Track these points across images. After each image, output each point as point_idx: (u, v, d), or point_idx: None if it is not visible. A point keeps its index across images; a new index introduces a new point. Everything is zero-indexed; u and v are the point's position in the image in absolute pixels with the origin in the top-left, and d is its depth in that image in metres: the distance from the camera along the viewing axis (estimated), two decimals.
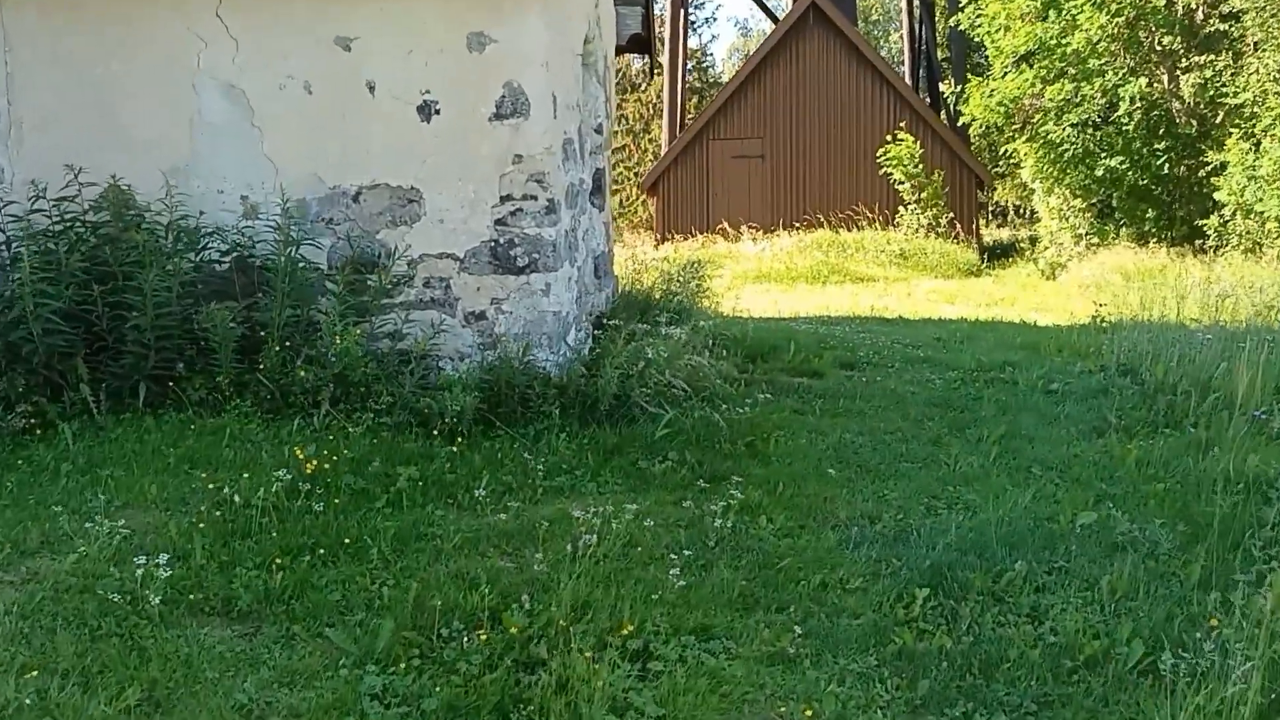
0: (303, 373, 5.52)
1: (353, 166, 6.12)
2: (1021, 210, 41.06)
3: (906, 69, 32.29)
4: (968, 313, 13.33)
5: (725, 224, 22.92)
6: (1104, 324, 10.35)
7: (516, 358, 5.87)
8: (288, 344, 5.73)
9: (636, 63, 53.20)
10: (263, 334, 5.79)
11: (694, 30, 55.26)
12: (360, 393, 5.61)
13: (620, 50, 9.81)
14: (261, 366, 5.66)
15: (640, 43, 9.80)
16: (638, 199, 36.03)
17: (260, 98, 6.13)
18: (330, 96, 6.09)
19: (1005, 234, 35.04)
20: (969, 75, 22.43)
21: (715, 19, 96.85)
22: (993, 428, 6.05)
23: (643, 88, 51.83)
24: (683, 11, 27.86)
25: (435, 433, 5.39)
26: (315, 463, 4.60)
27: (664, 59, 28.47)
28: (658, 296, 9.31)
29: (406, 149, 6.07)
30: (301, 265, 5.95)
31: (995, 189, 30.60)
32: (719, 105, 24.62)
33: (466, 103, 6.01)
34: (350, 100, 6.08)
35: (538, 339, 6.16)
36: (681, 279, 9.92)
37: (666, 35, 28.20)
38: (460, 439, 5.37)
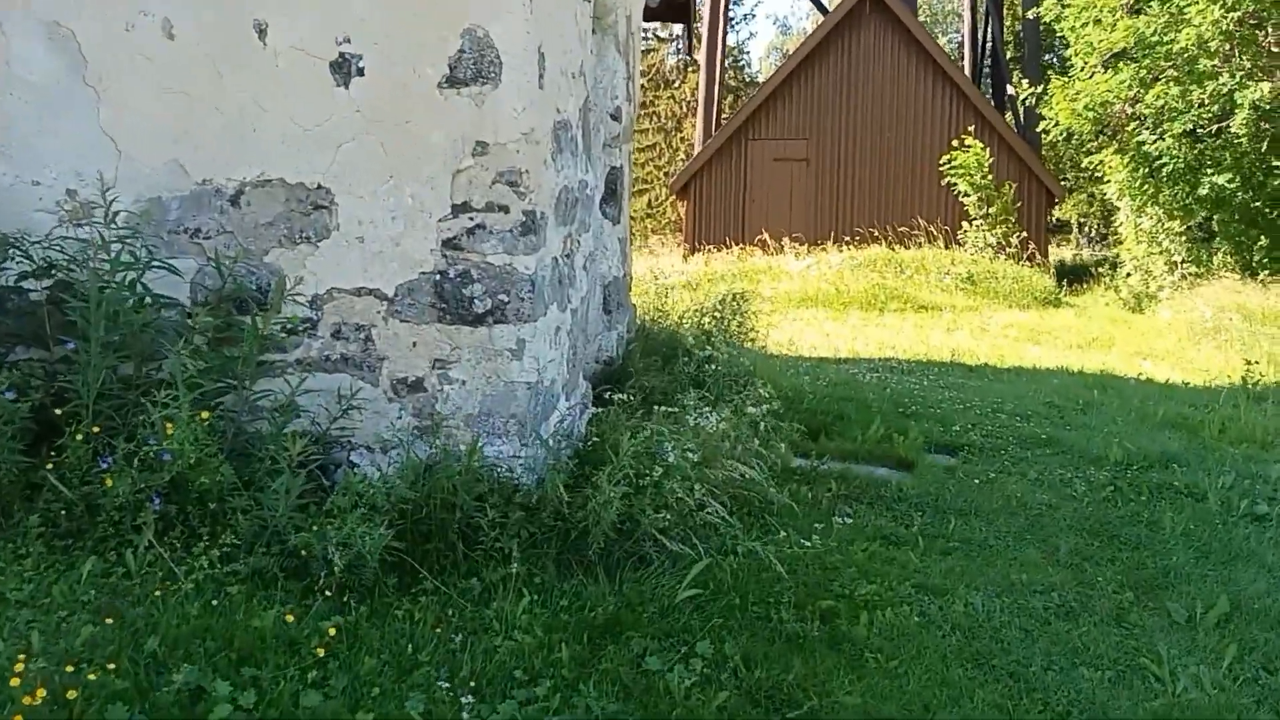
0: (111, 480, 3.53)
1: (232, 152, 4.14)
2: (1085, 228, 38.82)
3: (967, 67, 30.13)
4: (1063, 359, 11.21)
5: (765, 234, 20.87)
6: (1257, 385, 8.26)
7: (462, 458, 3.86)
8: (101, 427, 3.75)
9: (671, 58, 51.38)
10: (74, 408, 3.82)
11: (731, 27, 53.35)
12: (207, 513, 3.62)
13: (651, 14, 7.80)
14: (59, 461, 3.68)
15: (676, 8, 7.80)
16: (666, 199, 34.05)
17: (97, 44, 4.16)
18: (201, 44, 4.11)
19: (1069, 254, 32.83)
20: (1048, 75, 20.25)
21: (754, 15, 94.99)
22: (1202, 593, 4.00)
23: (677, 84, 49.85)
24: (722, 1, 25.84)
25: (319, 588, 3.40)
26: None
27: (701, 52, 26.45)
28: (689, 340, 7.28)
29: (313, 128, 4.08)
30: (144, 300, 3.99)
31: (1064, 204, 28.35)
32: (760, 101, 22.58)
33: (404, 59, 4.01)
34: (230, 51, 4.10)
35: (501, 424, 4.15)
36: (719, 314, 7.90)
37: (705, 25, 26.18)
38: (355, 603, 3.37)
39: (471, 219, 4.07)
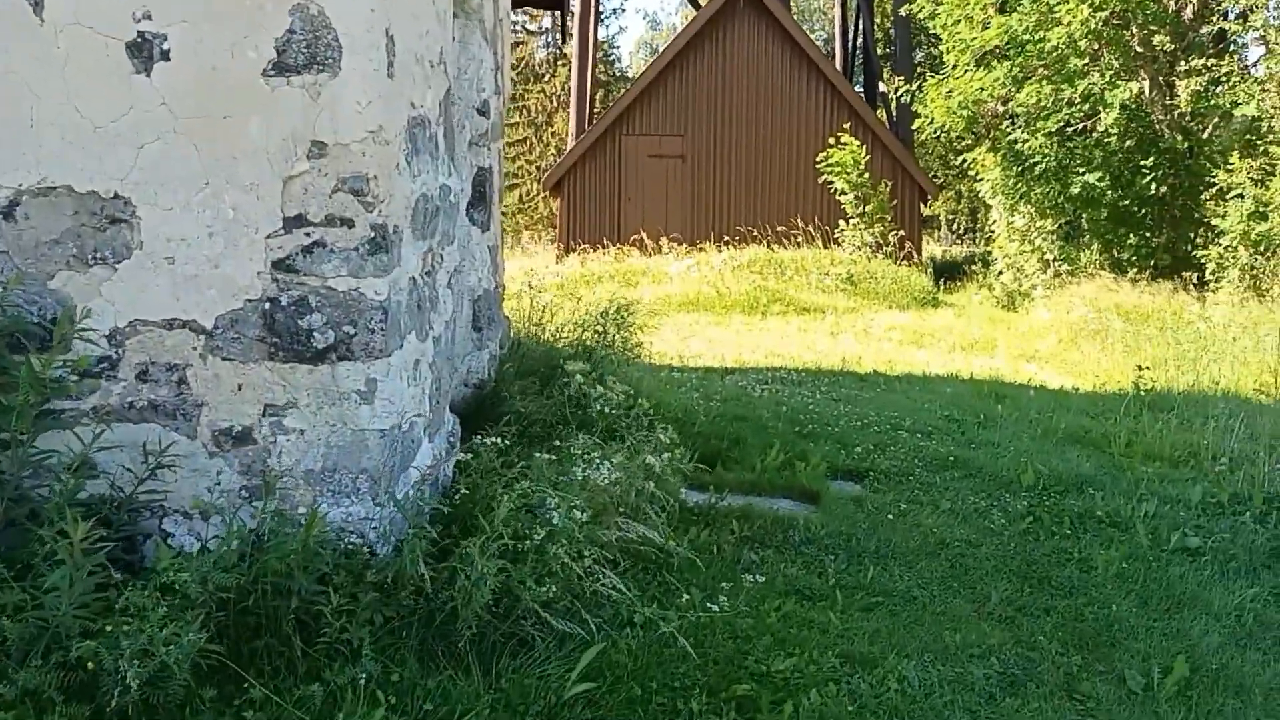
0: None
1: (3, 154, 3.35)
2: (954, 223, 39.69)
3: (838, 64, 30.29)
4: (950, 363, 11.02)
5: (642, 234, 20.39)
6: (1150, 393, 8.13)
7: (300, 527, 3.18)
8: None
9: (541, 51, 50.56)
10: None
11: (601, 21, 52.81)
12: None
13: (521, 0, 7.16)
14: None
15: None
16: (538, 195, 33.37)
17: None
18: None
19: (938, 250, 33.42)
20: (921, 72, 20.33)
21: (623, 9, 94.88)
22: (1155, 651, 3.61)
23: (547, 78, 49.08)
24: None
25: (110, 710, 2.69)
26: None
27: (572, 45, 25.84)
28: (569, 360, 6.68)
29: (107, 125, 3.33)
30: None
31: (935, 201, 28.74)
32: (634, 96, 22.11)
33: (220, 41, 3.30)
34: (1, 26, 3.32)
35: (349, 482, 3.48)
36: (600, 328, 7.31)
37: (575, 18, 25.58)
38: None
39: (308, 235, 3.38)
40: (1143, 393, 8.30)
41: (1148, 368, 8.75)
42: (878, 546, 4.60)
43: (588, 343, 6.72)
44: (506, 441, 4.45)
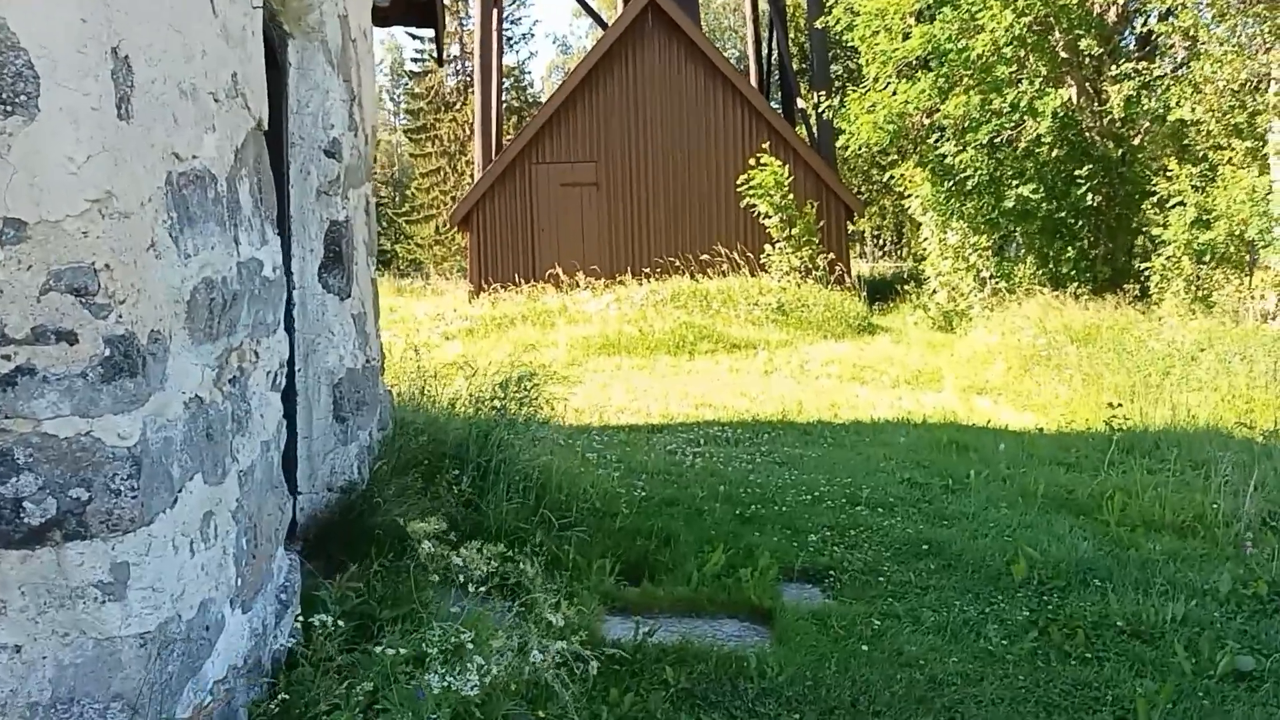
0: None
1: None
2: (879, 240, 39.35)
3: (753, 81, 29.65)
4: (897, 404, 10.14)
5: (557, 268, 19.33)
6: (1123, 432, 7.33)
7: None
8: None
9: (451, 80, 49.40)
10: None
11: (510, 47, 51.87)
12: None
13: (385, 18, 6.09)
14: None
15: (417, 9, 6.12)
16: (452, 229, 32.23)
17: None
18: None
19: (866, 268, 32.93)
20: (844, 87, 19.67)
21: (533, 35, 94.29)
22: None
23: (458, 106, 47.93)
24: (495, 12, 24.26)
25: None
26: None
27: (474, 71, 24.79)
28: (459, 436, 5.61)
29: None
30: None
31: (860, 219, 28.17)
32: (543, 122, 21.12)
33: None
34: None
35: (95, 714, 2.37)
36: (501, 399, 6.25)
37: (477, 43, 24.55)
38: None
39: (8, 357, 2.27)
40: (1117, 433, 7.47)
41: (1119, 404, 7.93)
42: (853, 696, 3.59)
43: (482, 422, 5.63)
44: (357, 599, 3.36)
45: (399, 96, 60.91)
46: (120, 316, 2.33)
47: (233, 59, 3.04)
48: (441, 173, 49.55)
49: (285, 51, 4.62)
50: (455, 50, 49.47)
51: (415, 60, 52.35)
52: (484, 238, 21.01)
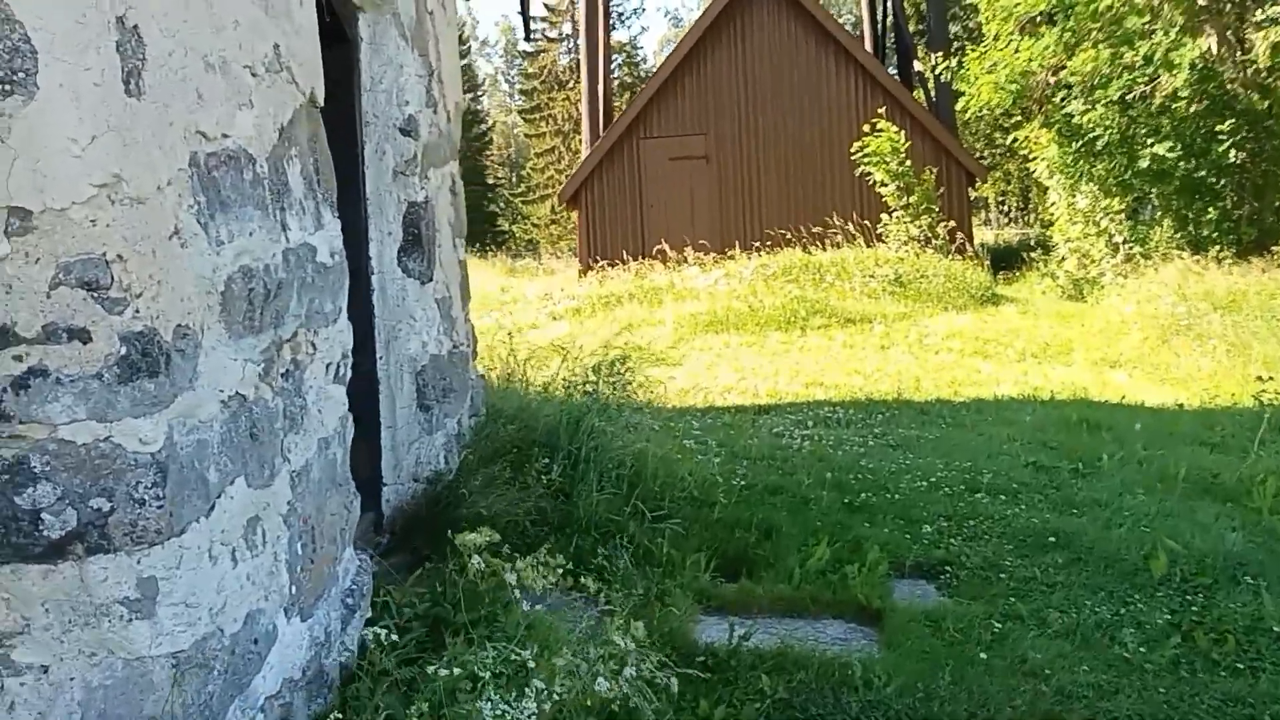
0: None
1: None
2: (1004, 205, 37.95)
3: (868, 44, 28.76)
4: (1023, 378, 9.58)
5: (665, 244, 19.05)
6: (1271, 404, 6.71)
7: None
8: None
9: (564, 58, 49.40)
10: None
11: (621, 23, 51.63)
12: None
13: None
14: None
15: None
16: (565, 209, 32.33)
17: None
18: None
19: (991, 235, 31.77)
20: (963, 47, 18.85)
21: (644, 9, 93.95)
22: None
23: (571, 84, 47.95)
24: None
25: None
26: None
27: (581, 46, 24.62)
28: (550, 423, 5.38)
29: None
30: None
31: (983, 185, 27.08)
32: (650, 95, 20.84)
33: None
34: None
35: None
36: (594, 381, 6.03)
37: (583, 18, 24.37)
38: None
39: (19, 359, 2.11)
40: (1267, 409, 6.85)
41: (1270, 377, 7.28)
42: (970, 710, 3.25)
43: (574, 408, 5.40)
44: (429, 603, 3.15)
45: (513, 77, 61.37)
46: (138, 311, 2.15)
47: (273, 30, 2.84)
48: (555, 151, 49.81)
49: (355, 25, 4.44)
50: (568, 28, 49.52)
51: (529, 40, 52.60)
52: (592, 215, 20.87)
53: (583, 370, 6.15)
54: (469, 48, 52.18)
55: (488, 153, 52.74)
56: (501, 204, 51.22)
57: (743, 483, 5.60)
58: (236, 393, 2.55)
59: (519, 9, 6.00)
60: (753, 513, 5.06)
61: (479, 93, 54.39)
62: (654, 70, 26.48)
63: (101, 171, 2.07)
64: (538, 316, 15.02)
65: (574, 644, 2.93)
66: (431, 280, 4.84)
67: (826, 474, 5.87)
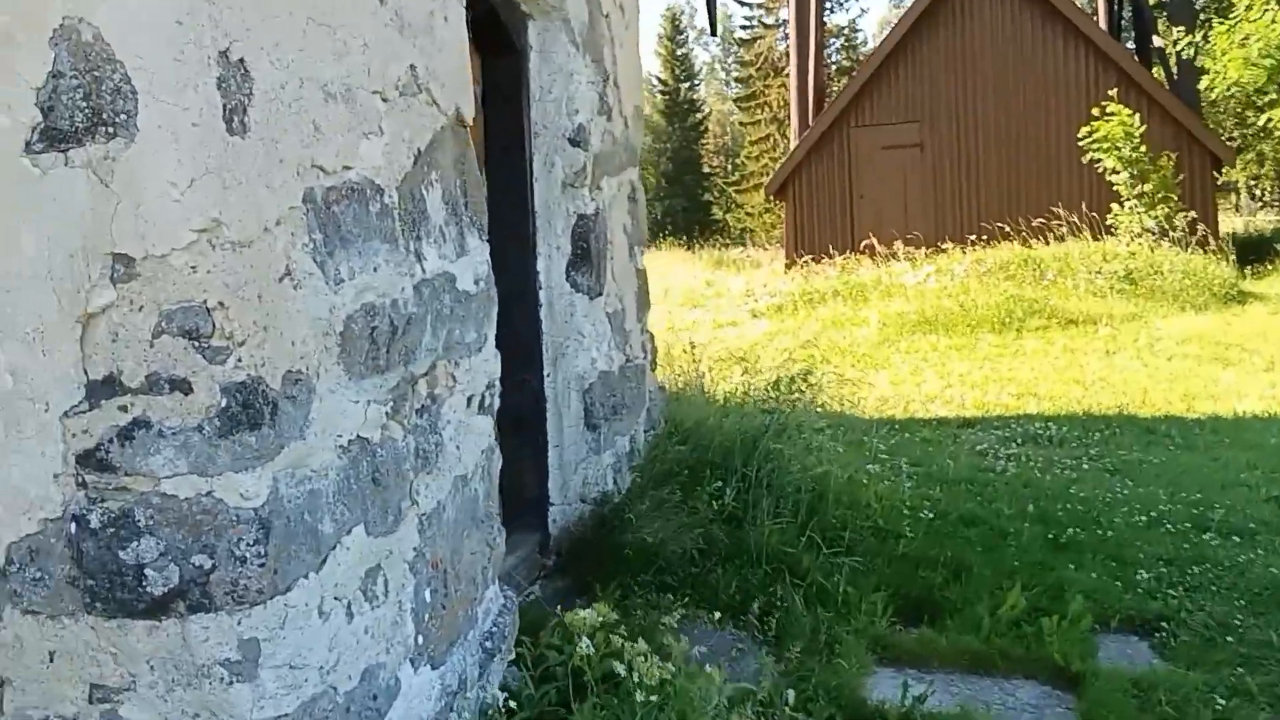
0: None
1: None
2: (1256, 191, 34.88)
3: (1102, 20, 26.93)
4: (1274, 393, 8.61)
5: (873, 238, 18.40)
6: None
7: None
8: None
9: (781, 44, 48.76)
10: None
11: (840, 6, 50.47)
12: None
13: None
14: None
15: None
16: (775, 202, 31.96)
17: None
18: None
19: (1240, 223, 29.21)
20: (1209, 21, 17.29)
21: None
22: None
23: (787, 71, 47.33)
24: None
25: None
26: None
27: (791, 31, 24.12)
28: (725, 442, 5.14)
29: None
30: None
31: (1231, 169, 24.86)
32: (862, 82, 20.17)
33: None
34: None
35: None
36: (775, 397, 5.76)
37: (793, 2, 23.86)
38: None
39: (124, 409, 2.05)
40: None
41: None
42: None
43: (751, 427, 5.14)
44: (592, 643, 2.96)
45: (730, 65, 61.16)
46: (240, 360, 2.05)
47: (409, 51, 2.71)
48: (770, 139, 49.39)
49: (525, 34, 4.33)
50: (785, 14, 48.86)
51: (744, 28, 52.28)
52: (799, 208, 20.43)
53: (766, 382, 5.89)
54: (686, 36, 52.26)
55: (702, 141, 52.76)
56: (716, 192, 51.21)
57: (934, 511, 5.19)
58: (358, 436, 2.44)
59: (706, 3, 5.78)
60: (942, 548, 4.67)
61: (695, 81, 54.42)
62: (868, 55, 25.65)
63: (200, 216, 1.98)
64: (738, 313, 14.77)
65: (718, 709, 2.68)
66: (601, 294, 4.69)
67: (1030, 503, 5.38)
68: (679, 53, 51.95)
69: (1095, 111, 17.35)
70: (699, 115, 52.60)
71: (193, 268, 2.00)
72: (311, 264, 2.26)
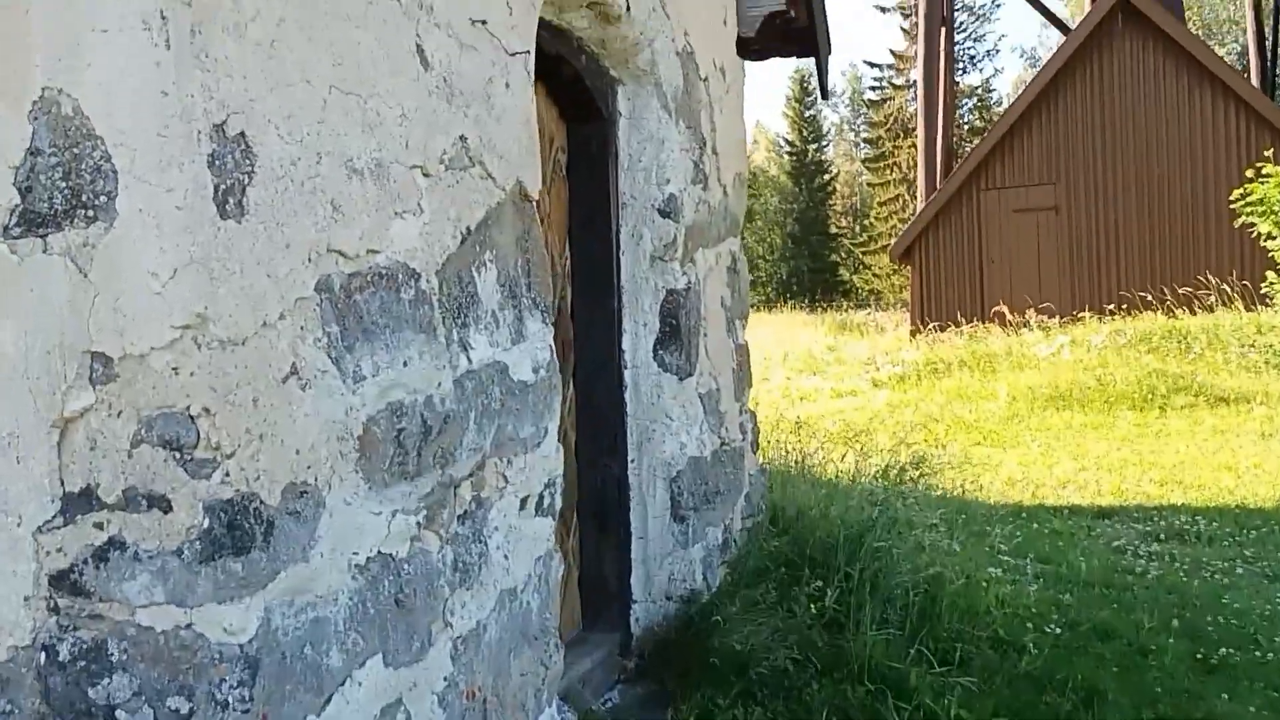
0: None
1: None
2: None
3: (1254, 78, 25.70)
4: None
5: (1003, 306, 17.64)
6: None
7: None
8: None
9: (912, 105, 48.10)
10: None
11: (973, 65, 49.66)
12: None
13: (759, 51, 5.42)
14: None
15: (794, 34, 5.38)
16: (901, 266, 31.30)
17: None
18: None
19: None
20: None
21: (998, 51, 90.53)
22: None
23: (916, 131, 46.70)
24: (943, 31, 22.96)
25: None
26: None
27: (919, 93, 23.63)
28: (827, 536, 4.73)
29: None
30: None
31: None
32: (994, 143, 19.53)
33: None
34: None
35: None
36: (885, 485, 5.34)
37: (920, 62, 23.41)
38: None
39: (100, 525, 1.82)
40: None
41: None
42: None
43: (856, 520, 4.72)
44: None
45: (859, 126, 60.73)
46: (227, 475, 1.80)
47: (459, 121, 2.47)
48: (900, 200, 48.76)
49: (614, 99, 4.09)
50: (915, 75, 48.27)
51: (873, 88, 51.92)
52: (926, 272, 19.81)
53: (878, 468, 5.46)
54: (814, 98, 52.09)
55: (830, 202, 52.32)
56: (843, 254, 50.66)
57: (1063, 622, 4.66)
58: (379, 552, 2.17)
59: (816, 67, 5.49)
60: (1071, 667, 4.15)
61: (823, 142, 54.11)
62: (1000, 115, 24.94)
63: (183, 311, 1.74)
64: (859, 382, 14.25)
65: None
66: (692, 375, 4.36)
67: (1175, 614, 4.80)
68: (807, 114, 51.82)
69: (1249, 173, 16.35)
70: (827, 176, 52.28)
71: (174, 369, 1.76)
72: (325, 360, 2.01)
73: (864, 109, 56.13)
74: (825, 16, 5.57)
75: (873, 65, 50.49)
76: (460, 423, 2.42)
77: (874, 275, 48.22)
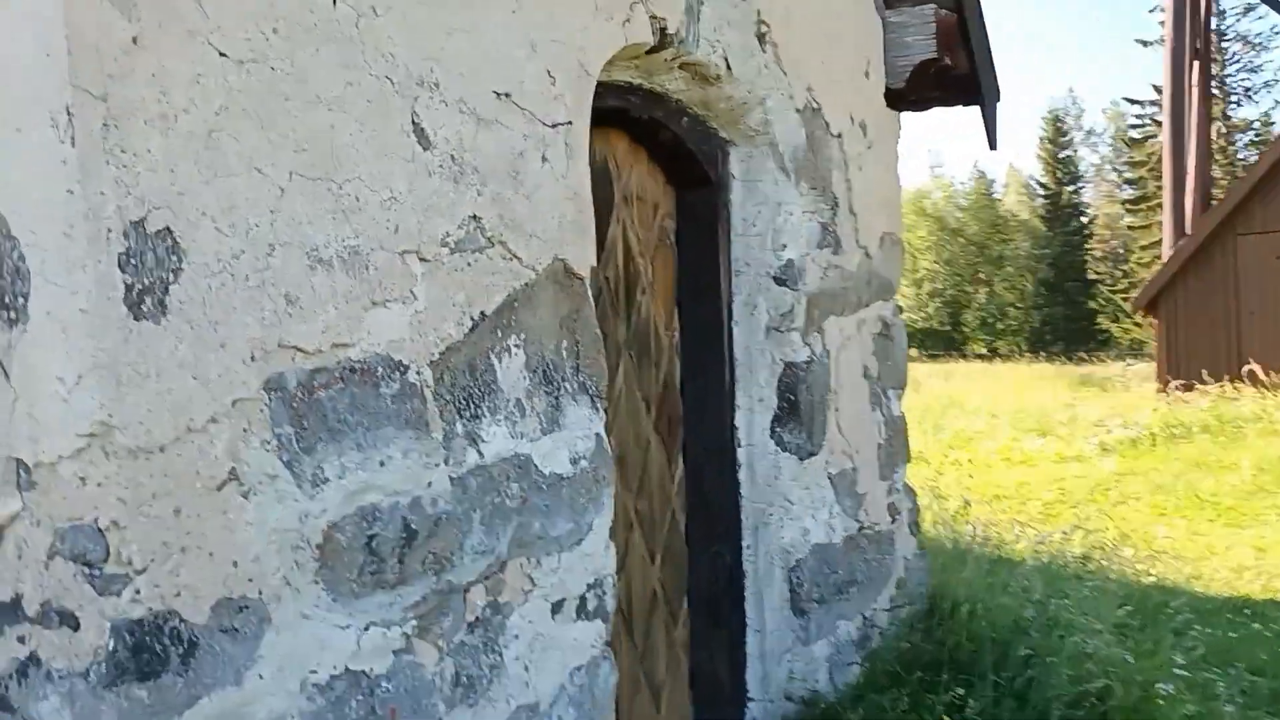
0: None
1: None
2: None
3: None
4: None
5: (1255, 365, 15.96)
6: None
7: None
8: None
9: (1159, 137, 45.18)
10: None
11: (1249, 98, 45.96)
12: None
13: (917, 101, 5.05)
14: None
15: (954, 81, 4.98)
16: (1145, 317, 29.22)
17: None
18: None
19: None
20: None
21: (1277, 81, 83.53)
22: None
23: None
24: (1196, 65, 21.29)
25: None
26: None
27: (1165, 133, 21.97)
28: (970, 636, 4.26)
29: None
30: None
31: None
32: (1252, 184, 17.83)
33: None
34: None
35: None
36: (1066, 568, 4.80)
37: (1167, 100, 21.79)
38: None
39: (23, 639, 1.75)
40: None
41: None
42: None
43: (1007, 621, 4.22)
44: None
45: (1120, 166, 57.32)
46: (138, 592, 1.69)
47: (470, 200, 2.32)
48: (1163, 244, 45.58)
49: (724, 162, 3.86)
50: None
51: (1134, 127, 48.88)
52: (1173, 325, 18.26)
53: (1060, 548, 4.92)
54: (1070, 139, 49.63)
55: (1087, 246, 49.40)
56: (1101, 300, 47.69)
57: None
58: (346, 669, 2.01)
59: (981, 116, 5.08)
60: None
61: (1079, 184, 51.33)
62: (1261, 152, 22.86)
63: (86, 419, 1.66)
64: (1085, 446, 13.17)
65: None
66: (815, 454, 4.03)
67: None
68: (1061, 155, 49.29)
69: None
70: (1084, 219, 49.43)
71: (81, 479, 1.67)
72: (275, 464, 1.89)
73: (1125, 148, 52.98)
74: (991, 61, 5.14)
75: (1134, 102, 47.50)
76: (459, 524, 2.25)
77: (1134, 324, 45.19)
